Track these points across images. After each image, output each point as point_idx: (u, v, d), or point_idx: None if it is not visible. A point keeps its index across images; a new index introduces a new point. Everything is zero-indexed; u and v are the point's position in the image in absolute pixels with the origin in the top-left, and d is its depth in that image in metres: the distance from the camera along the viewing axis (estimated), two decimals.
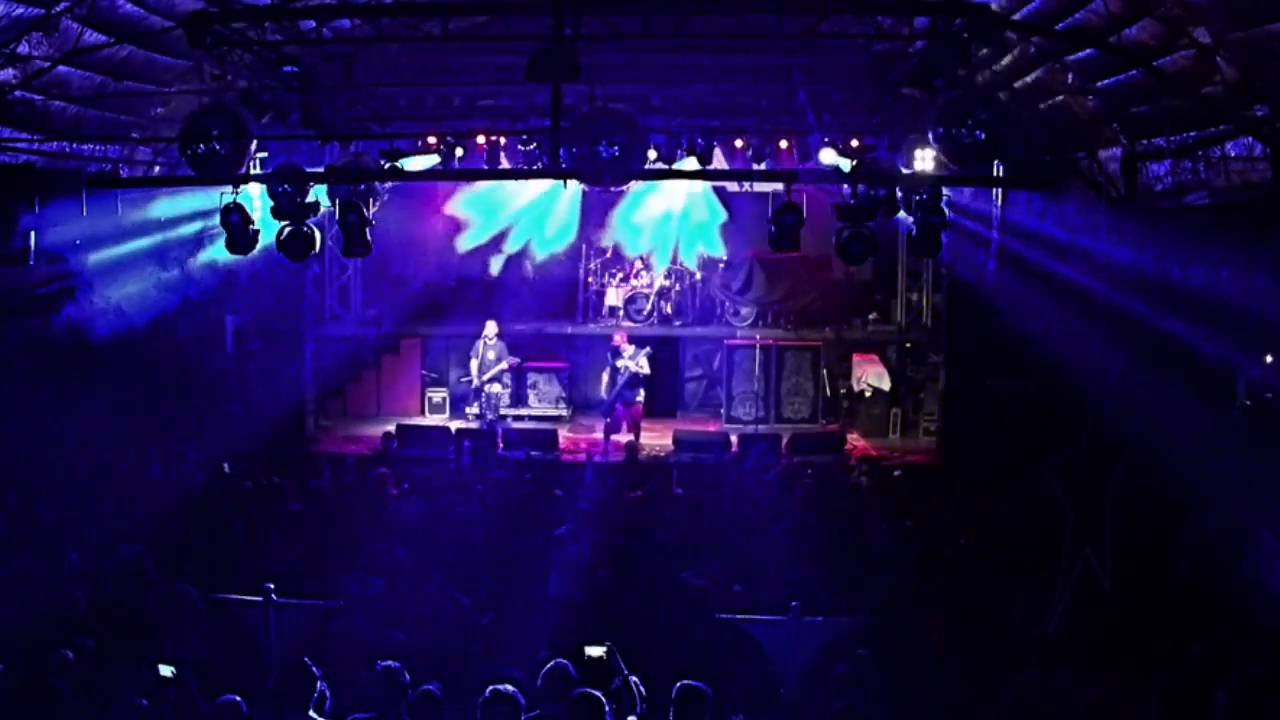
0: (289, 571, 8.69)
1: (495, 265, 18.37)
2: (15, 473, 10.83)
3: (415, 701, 6.01)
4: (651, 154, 12.46)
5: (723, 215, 18.00)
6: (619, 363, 15.54)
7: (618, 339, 15.96)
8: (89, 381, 13.41)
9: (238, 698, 5.95)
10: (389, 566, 9.12)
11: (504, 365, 16.30)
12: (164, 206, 13.39)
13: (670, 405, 17.81)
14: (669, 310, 18.19)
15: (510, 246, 18.24)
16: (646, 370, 15.53)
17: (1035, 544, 9.55)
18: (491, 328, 16.32)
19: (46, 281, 12.62)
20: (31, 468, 11.19)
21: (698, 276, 18.41)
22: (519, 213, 17.99)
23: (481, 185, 17.56)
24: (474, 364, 16.25)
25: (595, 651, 6.30)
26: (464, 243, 18.17)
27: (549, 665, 6.30)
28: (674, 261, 18.23)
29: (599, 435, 15.70)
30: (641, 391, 15.67)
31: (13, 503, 10.38)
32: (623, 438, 15.28)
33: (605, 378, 15.75)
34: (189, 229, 13.78)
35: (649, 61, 12.22)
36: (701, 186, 17.33)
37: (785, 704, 7.62)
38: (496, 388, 16.34)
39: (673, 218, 17.99)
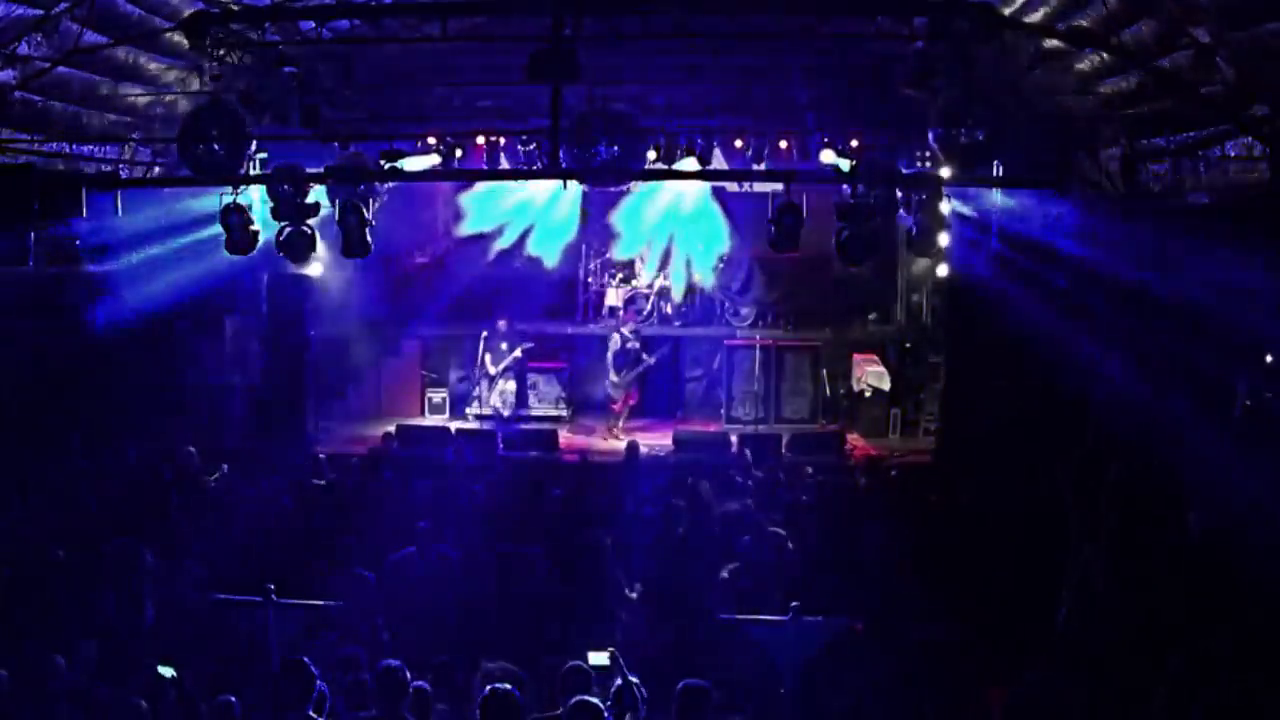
0: (289, 571, 8.67)
1: (495, 266, 18.36)
2: (14, 472, 10.82)
3: (414, 700, 6.01)
4: (651, 154, 12.47)
5: (721, 216, 18.02)
6: (627, 343, 15.74)
7: (630, 316, 16.63)
8: (88, 381, 13.40)
9: (233, 698, 5.95)
10: (388, 566, 9.11)
11: (518, 354, 16.34)
12: (168, 208, 13.37)
13: (670, 405, 17.82)
14: (669, 310, 18.22)
15: (510, 247, 18.26)
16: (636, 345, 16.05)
17: (1035, 544, 9.54)
18: (503, 325, 16.46)
19: (54, 280, 12.62)
20: (29, 467, 11.17)
21: (697, 277, 18.43)
22: (519, 213, 17.99)
23: (481, 186, 17.58)
24: (487, 357, 16.26)
25: (599, 657, 6.29)
26: (464, 243, 18.17)
27: (566, 667, 6.26)
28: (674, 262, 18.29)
29: (601, 435, 15.72)
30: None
31: (13, 502, 10.38)
32: (620, 430, 15.42)
33: (610, 357, 15.93)
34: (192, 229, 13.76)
35: (649, 61, 12.22)
36: (701, 187, 17.33)
37: (785, 704, 7.61)
38: (511, 384, 16.33)
39: (672, 218, 18.01)
